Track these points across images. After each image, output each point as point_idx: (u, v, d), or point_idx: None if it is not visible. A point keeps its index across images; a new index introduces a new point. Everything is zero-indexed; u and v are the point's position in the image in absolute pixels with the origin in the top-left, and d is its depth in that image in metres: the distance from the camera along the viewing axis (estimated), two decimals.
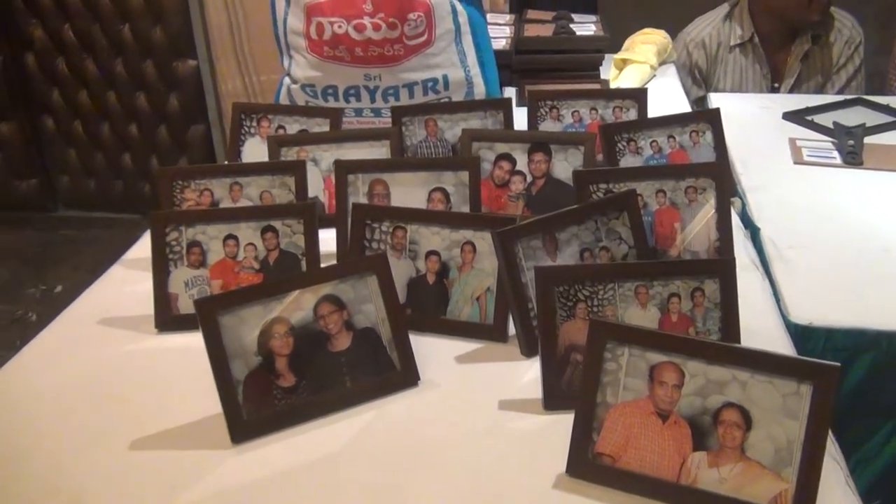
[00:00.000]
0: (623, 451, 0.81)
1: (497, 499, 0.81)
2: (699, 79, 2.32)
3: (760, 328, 1.05)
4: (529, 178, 1.32)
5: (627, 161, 1.34)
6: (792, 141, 1.71)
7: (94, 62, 3.20)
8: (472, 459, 0.86)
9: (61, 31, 3.16)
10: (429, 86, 1.60)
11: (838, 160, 1.62)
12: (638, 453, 0.80)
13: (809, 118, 1.81)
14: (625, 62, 2.08)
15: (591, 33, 2.07)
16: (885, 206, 1.43)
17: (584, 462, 0.82)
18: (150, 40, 3.09)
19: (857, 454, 1.16)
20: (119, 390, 0.99)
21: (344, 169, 1.24)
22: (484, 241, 1.06)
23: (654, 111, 1.49)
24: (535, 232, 1.02)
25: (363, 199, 1.24)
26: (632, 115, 1.50)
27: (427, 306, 1.08)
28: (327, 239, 1.22)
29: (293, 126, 1.47)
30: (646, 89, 1.53)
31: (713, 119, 1.40)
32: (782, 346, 1.03)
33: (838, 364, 0.74)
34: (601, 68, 2.04)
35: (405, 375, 0.97)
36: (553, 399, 0.92)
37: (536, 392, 0.93)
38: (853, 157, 1.60)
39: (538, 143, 1.32)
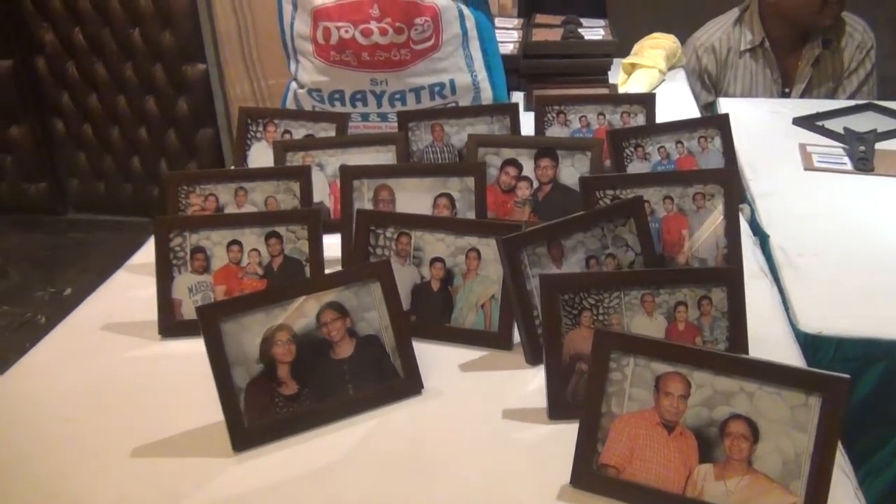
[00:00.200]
0: (628, 462, 0.79)
1: None
2: (709, 84, 2.30)
3: (769, 337, 1.04)
4: (536, 184, 1.31)
5: (635, 167, 1.33)
6: (802, 147, 1.69)
7: (104, 66, 3.21)
8: (475, 470, 0.85)
9: (72, 34, 3.18)
10: (435, 90, 1.59)
11: (849, 166, 1.60)
12: (643, 465, 0.79)
13: (820, 124, 1.79)
14: (633, 67, 2.07)
15: (600, 38, 2.06)
16: None
17: (588, 473, 0.81)
18: (159, 44, 3.10)
19: (866, 465, 1.14)
20: (121, 397, 0.98)
21: (349, 174, 1.23)
22: (489, 247, 1.05)
23: (662, 116, 1.48)
24: (541, 239, 1.01)
25: (368, 205, 1.23)
26: (640, 120, 1.48)
27: (431, 313, 1.07)
28: (333, 244, 1.22)
29: (299, 131, 1.47)
30: (654, 94, 1.52)
31: (722, 125, 1.39)
32: (791, 355, 1.02)
33: (848, 376, 0.73)
34: (610, 73, 2.03)
35: (408, 383, 0.96)
36: (558, 408, 0.91)
37: (541, 401, 0.92)
38: (864, 163, 1.58)
39: (545, 149, 1.31)
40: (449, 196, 1.23)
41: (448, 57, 1.58)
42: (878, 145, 1.65)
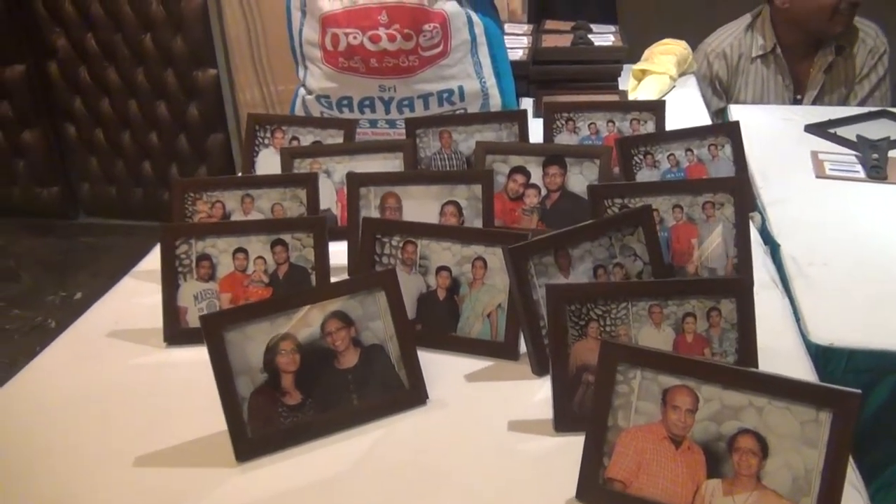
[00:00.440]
0: (635, 476, 0.78)
1: None
2: (720, 90, 2.29)
3: (779, 348, 1.03)
4: (544, 192, 1.30)
5: (644, 175, 1.32)
6: (814, 154, 1.68)
7: (115, 71, 3.22)
8: (479, 482, 0.84)
9: (84, 40, 3.19)
10: (444, 97, 1.59)
11: (862, 174, 1.58)
12: (650, 479, 0.78)
13: (832, 131, 1.77)
14: (644, 73, 2.06)
15: (610, 44, 2.05)
16: None
17: (594, 487, 0.79)
18: (170, 50, 3.11)
19: (878, 479, 1.12)
20: (125, 405, 0.98)
21: (356, 181, 1.23)
22: (495, 256, 1.04)
23: (673, 122, 1.47)
24: (548, 248, 1.00)
25: (375, 212, 1.23)
26: (649, 127, 1.47)
27: (437, 322, 1.07)
28: (340, 251, 1.21)
29: (307, 137, 1.47)
30: (664, 101, 1.51)
31: (732, 132, 1.37)
32: (802, 367, 1.01)
33: (859, 391, 0.71)
34: (620, 79, 2.02)
35: (413, 394, 0.95)
36: (564, 421, 0.90)
37: (547, 412, 0.91)
38: (877, 171, 1.56)
39: (553, 156, 1.30)
40: (456, 204, 1.22)
41: (456, 63, 1.57)
42: (892, 153, 1.63)
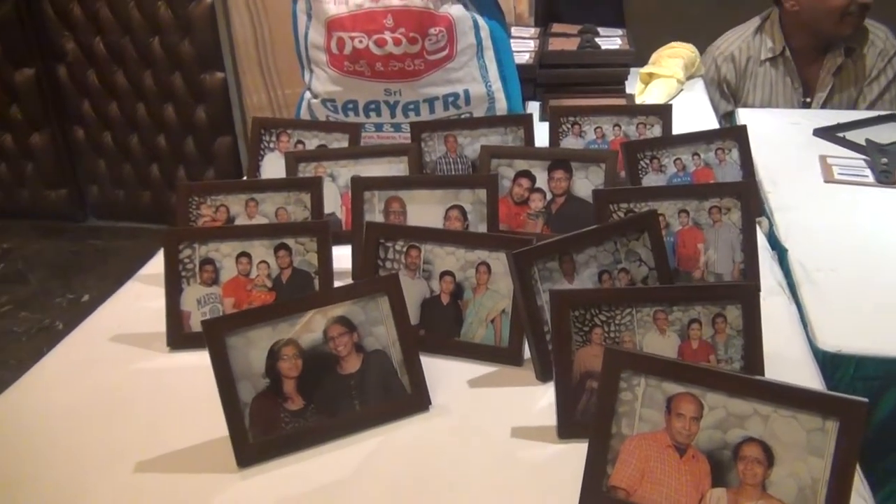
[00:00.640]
0: (638, 484, 0.77)
1: None
2: (727, 93, 2.28)
3: (786, 355, 1.01)
4: (549, 196, 1.30)
5: (650, 179, 1.31)
6: (822, 158, 1.66)
7: (124, 74, 3.23)
8: (482, 489, 0.83)
9: (93, 43, 3.21)
10: (449, 101, 1.58)
11: (871, 179, 1.57)
12: (654, 488, 0.77)
13: (841, 135, 1.76)
14: (651, 76, 2.05)
15: (617, 47, 2.04)
16: None
17: (597, 495, 0.79)
18: (178, 53, 3.12)
19: (886, 488, 1.11)
20: (127, 409, 0.98)
21: (360, 185, 1.23)
22: (499, 261, 1.04)
23: (681, 126, 1.46)
24: (552, 253, 0.99)
25: (379, 217, 1.22)
26: (656, 131, 1.46)
27: (441, 328, 1.06)
28: (345, 255, 1.21)
29: (312, 141, 1.47)
30: (670, 105, 1.50)
31: (740, 136, 1.36)
32: (809, 374, 0.99)
33: (866, 400, 0.70)
34: (627, 82, 2.01)
35: (416, 399, 0.94)
36: (568, 427, 0.89)
37: (551, 419, 0.91)
38: (886, 175, 1.55)
39: (558, 161, 1.30)
40: (460, 208, 1.22)
41: (462, 67, 1.57)
42: None
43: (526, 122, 1.45)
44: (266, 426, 0.88)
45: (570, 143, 1.48)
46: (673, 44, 2.19)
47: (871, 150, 1.64)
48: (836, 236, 1.35)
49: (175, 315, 1.09)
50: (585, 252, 1.02)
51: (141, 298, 1.23)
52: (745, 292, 0.93)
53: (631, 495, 0.77)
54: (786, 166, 1.64)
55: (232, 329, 0.88)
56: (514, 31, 2.22)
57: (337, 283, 1.11)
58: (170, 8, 3.06)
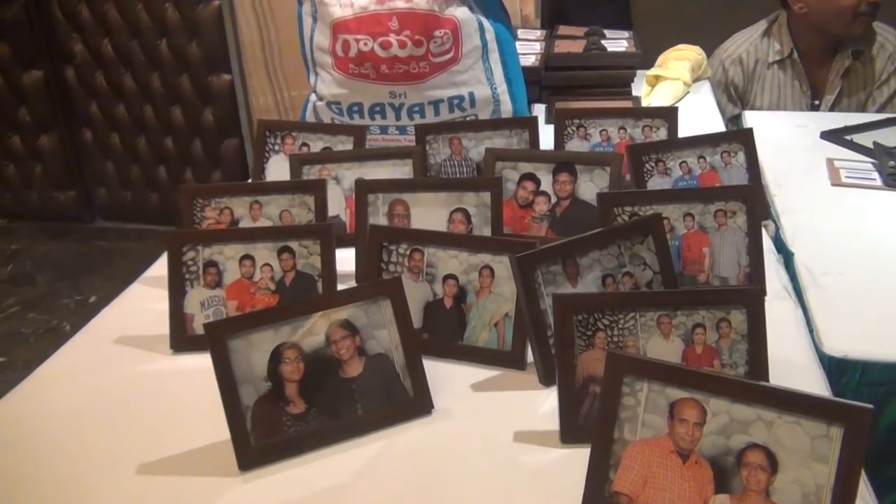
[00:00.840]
0: (641, 490, 0.77)
1: None
2: (735, 96, 2.26)
3: (792, 360, 1.01)
4: (554, 199, 1.29)
5: (655, 182, 1.30)
6: (829, 161, 1.65)
7: (131, 76, 3.25)
8: (483, 494, 0.83)
9: (101, 45, 3.22)
10: (454, 103, 1.58)
11: (878, 182, 1.56)
12: (657, 494, 0.76)
13: (848, 138, 1.75)
14: (657, 79, 2.04)
15: (623, 49, 2.04)
16: None
17: (600, 501, 0.78)
18: (185, 55, 3.13)
19: (891, 495, 1.10)
20: (130, 412, 0.98)
21: (364, 188, 1.22)
22: (502, 265, 1.03)
23: (687, 129, 1.45)
24: (555, 257, 0.99)
25: (383, 219, 1.22)
26: (662, 134, 1.46)
27: (444, 331, 1.06)
28: (349, 258, 1.21)
29: (317, 144, 1.47)
30: (676, 108, 1.49)
31: (746, 139, 1.35)
32: (814, 379, 0.99)
33: (871, 406, 0.70)
34: (633, 85, 2.00)
35: (418, 403, 0.94)
36: (570, 432, 0.89)
37: (554, 423, 0.90)
38: (894, 178, 1.54)
39: (563, 163, 1.29)
40: (464, 211, 1.21)
41: (467, 70, 1.57)
42: None
43: (531, 124, 1.44)
44: (268, 429, 0.88)
45: (575, 145, 1.47)
46: (679, 46, 2.18)
47: (878, 154, 1.63)
48: (843, 240, 1.34)
49: (178, 317, 1.09)
50: (589, 256, 1.01)
51: (145, 300, 1.23)
52: (750, 296, 0.92)
53: (633, 501, 0.77)
54: (792, 169, 1.63)
55: (234, 332, 0.88)
56: (520, 33, 2.21)
57: (340, 286, 1.10)
58: (177, 10, 3.08)
